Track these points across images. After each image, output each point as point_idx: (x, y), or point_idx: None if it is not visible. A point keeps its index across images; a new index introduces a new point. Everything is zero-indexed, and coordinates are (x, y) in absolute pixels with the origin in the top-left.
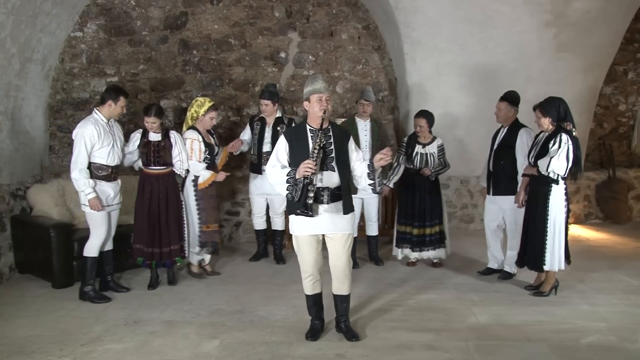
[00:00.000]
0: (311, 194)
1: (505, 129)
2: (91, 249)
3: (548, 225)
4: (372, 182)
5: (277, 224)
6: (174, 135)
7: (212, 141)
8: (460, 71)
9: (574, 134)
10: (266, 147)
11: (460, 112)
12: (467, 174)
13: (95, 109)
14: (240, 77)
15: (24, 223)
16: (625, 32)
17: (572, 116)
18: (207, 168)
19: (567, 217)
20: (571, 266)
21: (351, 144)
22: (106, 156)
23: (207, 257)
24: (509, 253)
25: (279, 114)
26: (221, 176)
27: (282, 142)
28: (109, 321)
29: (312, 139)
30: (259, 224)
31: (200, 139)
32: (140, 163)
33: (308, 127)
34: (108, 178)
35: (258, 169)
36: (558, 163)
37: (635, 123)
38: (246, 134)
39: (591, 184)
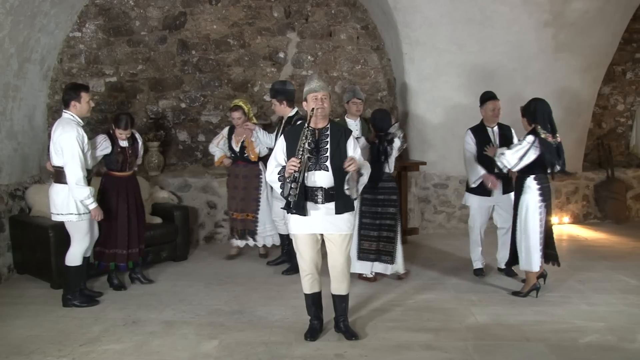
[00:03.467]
0: (294, 192)
1: (496, 128)
2: (74, 258)
3: (518, 223)
4: (347, 187)
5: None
6: (138, 136)
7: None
8: (459, 71)
9: (542, 135)
10: None
11: (458, 111)
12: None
13: (67, 113)
14: (239, 77)
15: (22, 223)
16: (623, 32)
17: (550, 118)
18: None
19: (545, 217)
20: (570, 266)
21: (350, 142)
22: (87, 160)
23: (238, 242)
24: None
25: (291, 113)
26: (227, 161)
27: (281, 141)
28: (108, 321)
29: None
30: (279, 228)
31: (226, 135)
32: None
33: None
34: (88, 182)
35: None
36: (508, 154)
37: (633, 123)
38: (273, 137)
39: (590, 183)
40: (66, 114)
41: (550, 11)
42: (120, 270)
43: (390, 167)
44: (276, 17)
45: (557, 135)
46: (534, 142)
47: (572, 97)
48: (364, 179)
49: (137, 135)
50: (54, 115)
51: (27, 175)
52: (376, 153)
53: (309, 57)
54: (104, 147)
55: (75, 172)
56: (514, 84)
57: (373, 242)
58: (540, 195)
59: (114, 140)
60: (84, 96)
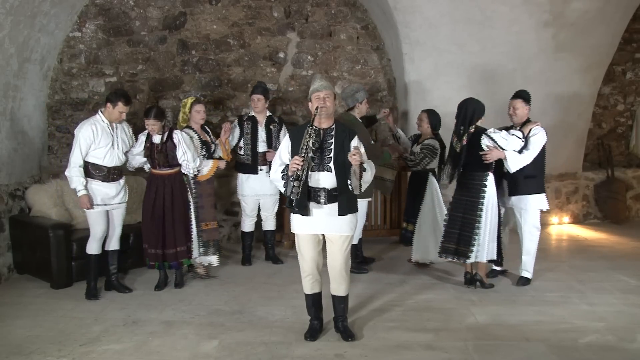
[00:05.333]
0: (296, 190)
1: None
2: (89, 247)
3: None
4: (350, 182)
5: (270, 225)
6: (177, 135)
7: (208, 138)
8: (459, 71)
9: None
10: (261, 147)
11: None
12: None
13: (99, 110)
14: (239, 77)
15: (22, 223)
16: (623, 32)
17: (464, 119)
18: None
19: (451, 212)
20: (570, 266)
21: (354, 143)
22: (102, 157)
23: (214, 259)
24: (524, 258)
25: (268, 113)
26: (222, 164)
27: (286, 140)
28: (108, 321)
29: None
30: (250, 226)
31: (196, 135)
32: (148, 165)
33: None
34: (105, 178)
35: (254, 170)
36: None
37: (633, 123)
38: (235, 133)
39: (590, 183)
40: (97, 113)
41: (550, 11)
42: (153, 269)
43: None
44: (276, 17)
45: (464, 138)
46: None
47: (572, 97)
48: (368, 177)
49: (178, 135)
50: (54, 115)
51: (27, 175)
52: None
53: (309, 57)
54: (140, 142)
55: (68, 164)
56: (514, 84)
57: None
58: (455, 189)
59: (149, 135)
60: (120, 105)
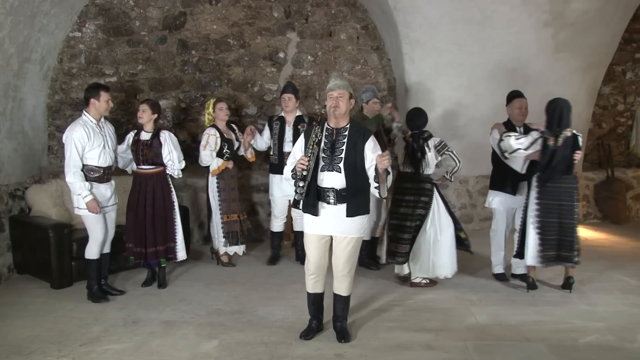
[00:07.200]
0: (300, 190)
1: (521, 128)
2: (90, 252)
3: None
4: (377, 185)
5: (301, 225)
6: (164, 135)
7: (232, 136)
8: (459, 71)
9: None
10: (287, 147)
11: (459, 112)
12: (466, 174)
13: (84, 111)
14: (239, 77)
15: (22, 223)
16: (623, 32)
17: (560, 117)
18: (227, 160)
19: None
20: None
21: (369, 143)
22: (97, 157)
23: (238, 249)
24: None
25: (298, 113)
26: (230, 164)
27: (301, 140)
28: (108, 321)
29: (325, 137)
30: (279, 226)
31: (217, 134)
32: (134, 164)
33: (325, 126)
34: (100, 179)
35: (280, 170)
36: (512, 139)
37: (633, 123)
38: (265, 134)
39: (590, 183)
40: (83, 115)
41: (550, 11)
42: (138, 267)
43: (428, 166)
44: (276, 17)
45: (560, 138)
46: (537, 138)
47: (572, 97)
48: (391, 178)
49: (165, 135)
50: (54, 115)
51: (27, 175)
52: (411, 152)
53: (309, 57)
54: (128, 138)
55: (67, 170)
56: (513, 84)
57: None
58: (537, 193)
59: (138, 132)
60: (103, 95)
